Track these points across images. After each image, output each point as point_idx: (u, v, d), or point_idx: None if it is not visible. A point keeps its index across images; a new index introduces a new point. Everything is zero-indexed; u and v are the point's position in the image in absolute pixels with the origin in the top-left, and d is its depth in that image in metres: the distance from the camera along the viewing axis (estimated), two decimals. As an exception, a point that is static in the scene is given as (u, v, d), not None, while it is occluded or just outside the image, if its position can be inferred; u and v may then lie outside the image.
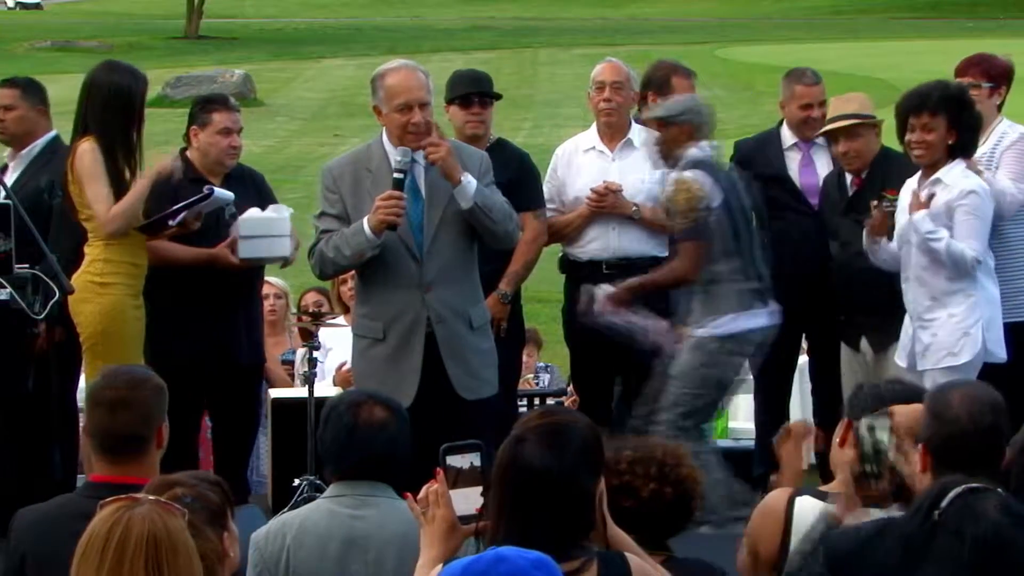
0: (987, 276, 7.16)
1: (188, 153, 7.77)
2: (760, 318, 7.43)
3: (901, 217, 7.23)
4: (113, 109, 7.18)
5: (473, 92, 7.88)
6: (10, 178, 7.72)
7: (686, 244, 7.36)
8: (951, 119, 7.03)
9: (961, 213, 7.03)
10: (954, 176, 7.07)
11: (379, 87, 6.63)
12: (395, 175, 6.48)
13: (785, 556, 4.46)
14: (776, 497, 4.55)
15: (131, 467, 4.55)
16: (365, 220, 6.46)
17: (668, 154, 7.51)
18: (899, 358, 7.22)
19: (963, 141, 7.09)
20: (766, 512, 4.54)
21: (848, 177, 7.80)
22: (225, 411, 7.84)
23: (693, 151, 7.45)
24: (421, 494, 3.83)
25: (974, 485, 3.26)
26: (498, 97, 8.06)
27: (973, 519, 3.18)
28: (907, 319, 7.24)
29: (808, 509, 4.46)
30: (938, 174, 7.09)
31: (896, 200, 7.39)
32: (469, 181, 6.51)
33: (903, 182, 7.44)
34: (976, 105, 7.27)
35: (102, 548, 3.23)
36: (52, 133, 7.90)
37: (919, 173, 7.22)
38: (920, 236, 7.05)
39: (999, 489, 3.28)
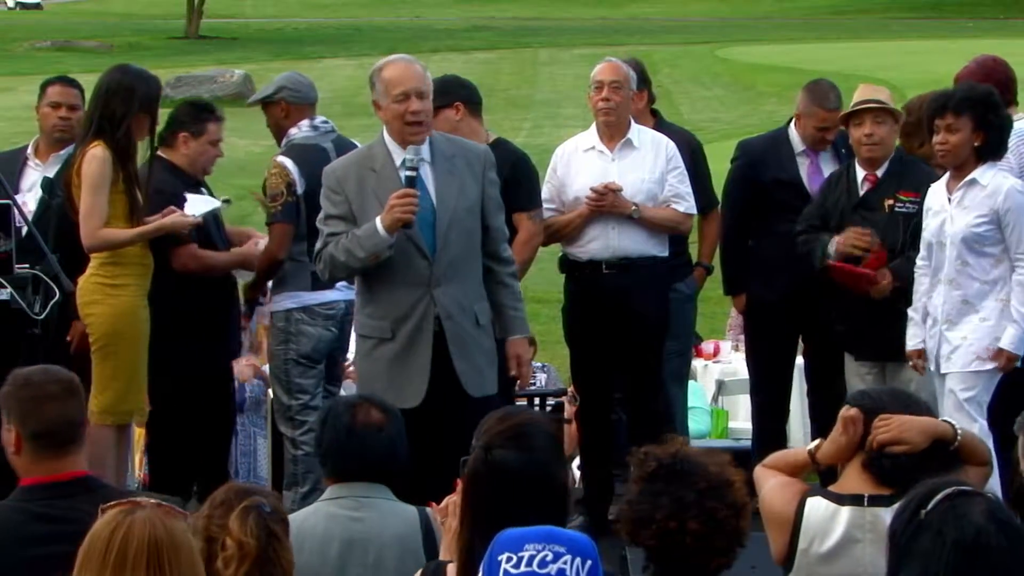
0: None
1: (169, 156, 7.74)
2: (333, 292, 7.51)
3: (932, 220, 7.13)
4: (125, 112, 7.14)
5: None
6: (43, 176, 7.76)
7: (275, 226, 7.51)
8: (976, 120, 6.95)
9: (1011, 218, 6.94)
10: (990, 177, 6.98)
11: (377, 80, 6.59)
12: (408, 173, 6.41)
13: (794, 556, 4.47)
14: (787, 498, 4.53)
15: (72, 460, 4.50)
16: (378, 220, 6.37)
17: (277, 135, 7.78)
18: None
19: (991, 143, 7.00)
20: (776, 512, 4.54)
21: (860, 175, 7.70)
22: (205, 413, 7.82)
23: (292, 131, 7.68)
24: (442, 504, 3.85)
25: (964, 488, 3.25)
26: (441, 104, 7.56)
27: (956, 522, 3.16)
28: (927, 322, 7.12)
29: (818, 511, 4.47)
30: (972, 175, 6.98)
31: (911, 201, 7.37)
32: None
33: (917, 186, 7.42)
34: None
35: (104, 552, 3.25)
36: None
37: (947, 176, 7.13)
38: None
39: (990, 494, 3.27)
